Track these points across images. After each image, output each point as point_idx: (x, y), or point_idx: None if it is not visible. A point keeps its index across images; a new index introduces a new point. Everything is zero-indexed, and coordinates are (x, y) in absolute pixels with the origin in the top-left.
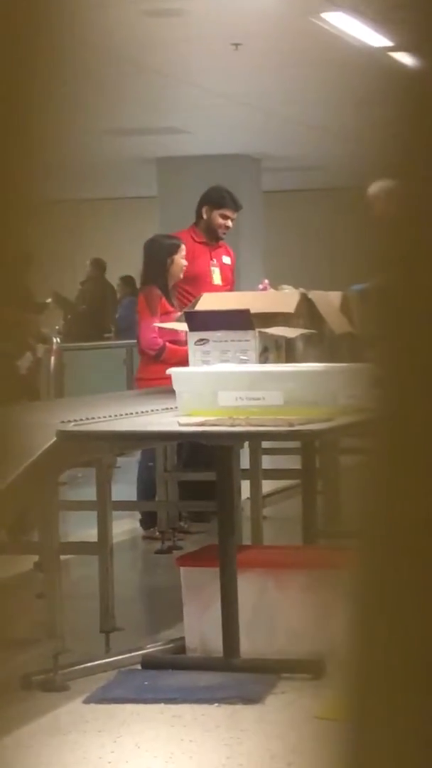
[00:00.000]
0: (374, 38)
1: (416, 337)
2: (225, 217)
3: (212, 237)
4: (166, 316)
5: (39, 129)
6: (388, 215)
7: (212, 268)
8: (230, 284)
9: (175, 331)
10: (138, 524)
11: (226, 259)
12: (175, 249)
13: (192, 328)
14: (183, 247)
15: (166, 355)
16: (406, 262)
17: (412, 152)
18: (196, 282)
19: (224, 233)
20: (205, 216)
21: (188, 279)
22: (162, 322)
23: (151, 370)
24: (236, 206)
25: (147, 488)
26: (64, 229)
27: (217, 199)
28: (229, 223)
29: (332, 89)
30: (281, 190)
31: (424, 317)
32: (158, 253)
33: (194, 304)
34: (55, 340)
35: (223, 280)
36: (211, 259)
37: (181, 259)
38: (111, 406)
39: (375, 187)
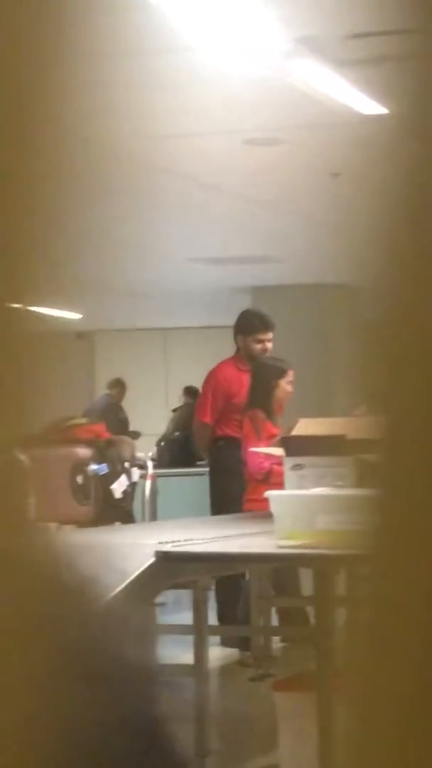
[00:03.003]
0: None
1: None
2: (259, 341)
3: None
4: (271, 439)
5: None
6: None
7: None
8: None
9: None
10: (221, 648)
11: None
12: (281, 373)
13: (288, 453)
14: (290, 372)
15: (273, 477)
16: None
17: None
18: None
19: None
20: (241, 345)
21: (236, 406)
22: (267, 445)
23: (260, 491)
24: (267, 328)
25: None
26: (154, 356)
27: (246, 326)
28: (267, 345)
29: None
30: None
31: None
32: (264, 376)
33: (290, 429)
34: (149, 465)
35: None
36: None
37: (286, 385)
38: (206, 528)
39: None
